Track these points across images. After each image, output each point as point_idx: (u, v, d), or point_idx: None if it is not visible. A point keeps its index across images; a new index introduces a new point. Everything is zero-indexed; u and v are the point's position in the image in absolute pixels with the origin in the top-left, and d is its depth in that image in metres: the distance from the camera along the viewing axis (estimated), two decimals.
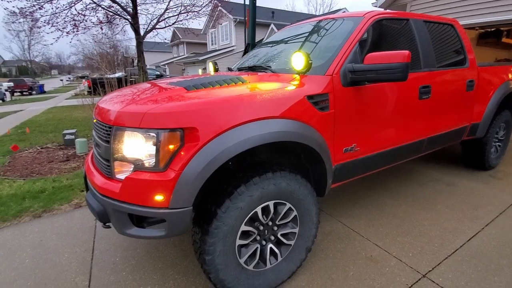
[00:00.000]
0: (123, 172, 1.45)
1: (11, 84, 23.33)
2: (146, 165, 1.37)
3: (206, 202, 1.52)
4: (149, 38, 10.14)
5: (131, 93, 1.75)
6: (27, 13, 7.84)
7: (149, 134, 1.34)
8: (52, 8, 7.76)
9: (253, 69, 2.38)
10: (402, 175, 3.45)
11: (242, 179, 1.51)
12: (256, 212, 1.55)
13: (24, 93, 24.28)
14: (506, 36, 6.81)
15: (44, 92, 24.31)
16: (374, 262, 1.98)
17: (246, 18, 4.43)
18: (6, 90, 20.12)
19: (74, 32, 7.71)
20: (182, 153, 1.34)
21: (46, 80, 44.03)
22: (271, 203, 1.59)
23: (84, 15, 7.46)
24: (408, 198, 2.88)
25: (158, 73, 20.68)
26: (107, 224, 1.57)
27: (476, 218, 2.48)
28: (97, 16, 7.78)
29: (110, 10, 7.88)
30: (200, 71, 3.19)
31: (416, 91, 2.32)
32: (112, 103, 1.60)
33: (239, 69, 2.61)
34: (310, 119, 1.68)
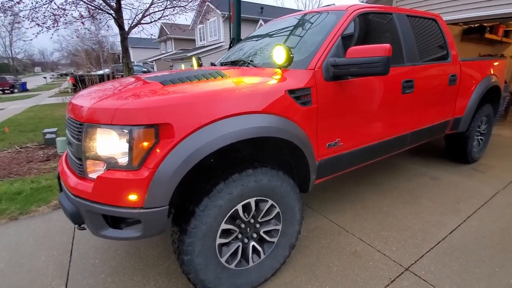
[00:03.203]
0: (96, 171, 1.38)
1: None
2: (119, 163, 1.31)
3: (185, 201, 1.47)
4: (135, 33, 9.90)
5: (105, 88, 1.67)
6: (6, 7, 7.51)
7: (122, 131, 1.28)
8: (32, 3, 7.45)
9: (235, 63, 2.33)
10: (387, 170, 3.48)
11: (221, 176, 1.47)
12: (236, 210, 1.51)
13: (6, 91, 23.42)
14: (489, 32, 6.95)
15: (27, 90, 23.49)
16: (358, 257, 1.97)
17: (230, 13, 4.34)
18: None
19: (54, 27, 7.43)
20: (158, 150, 1.28)
21: (29, 78, 42.59)
22: (252, 200, 1.56)
23: (64, 9, 7.19)
24: (393, 192, 2.90)
25: (145, 69, 20.30)
26: (82, 225, 1.51)
27: (458, 211, 2.52)
28: (78, 11, 7.50)
29: (92, 4, 7.62)
30: (183, 66, 3.12)
31: (399, 86, 2.32)
32: (84, 98, 1.53)
33: (222, 64, 2.56)
34: (291, 114, 1.65)
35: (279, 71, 1.81)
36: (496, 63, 3.51)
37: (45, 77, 33.93)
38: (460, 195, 2.81)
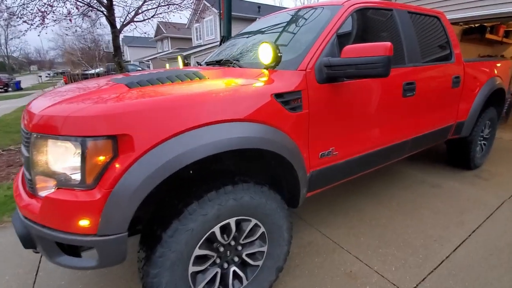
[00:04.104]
0: (46, 189, 1.17)
1: None
2: (71, 181, 1.10)
3: (153, 223, 1.27)
4: (128, 32, 9.66)
5: (66, 91, 1.46)
6: None
7: (73, 143, 1.07)
8: None
9: (221, 63, 2.12)
10: (385, 177, 3.28)
11: (195, 194, 1.26)
12: (213, 232, 1.31)
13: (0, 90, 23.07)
14: (490, 32, 6.78)
15: (21, 89, 23.13)
16: (353, 279, 1.78)
17: (221, 11, 4.13)
18: None
19: (42, 24, 7.15)
20: (117, 165, 1.08)
21: (24, 76, 42.01)
22: (232, 221, 1.36)
23: (52, 6, 6.92)
24: (392, 202, 2.71)
25: (140, 68, 20.02)
26: (36, 250, 1.30)
27: (462, 223, 2.33)
28: (66, 7, 7.23)
29: (81, 1, 7.35)
30: (167, 66, 2.91)
31: (400, 88, 2.12)
32: (38, 103, 1.32)
33: (208, 64, 2.35)
34: (278, 121, 1.45)
35: (266, 72, 1.61)
36: (499, 64, 3.33)
37: (40, 76, 33.45)
38: (463, 205, 2.62)
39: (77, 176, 1.09)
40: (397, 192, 2.91)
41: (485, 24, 6.55)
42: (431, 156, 3.92)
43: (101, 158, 1.07)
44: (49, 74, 42.45)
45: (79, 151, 1.06)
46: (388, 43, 1.47)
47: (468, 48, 7.14)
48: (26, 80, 30.68)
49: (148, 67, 26.63)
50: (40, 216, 1.13)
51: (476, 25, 6.67)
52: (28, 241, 1.24)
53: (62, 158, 1.10)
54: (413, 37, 2.29)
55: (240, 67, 1.87)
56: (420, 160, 3.79)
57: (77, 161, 1.07)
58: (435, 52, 2.54)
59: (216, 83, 1.42)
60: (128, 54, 35.44)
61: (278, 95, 1.46)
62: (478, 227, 2.27)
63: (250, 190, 1.38)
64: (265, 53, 1.54)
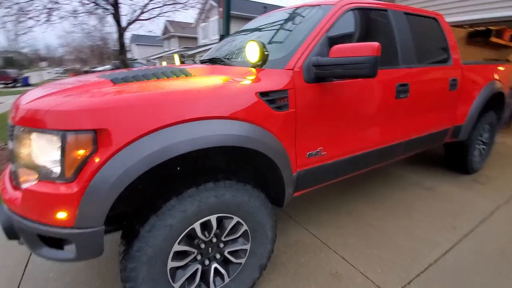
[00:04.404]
0: (29, 182, 1.19)
1: None
2: (51, 174, 1.12)
3: (132, 218, 1.29)
4: (133, 30, 9.75)
5: (53, 86, 1.48)
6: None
7: (53, 136, 1.09)
8: None
9: (213, 61, 2.13)
10: (380, 178, 3.26)
11: (175, 190, 1.28)
12: (193, 229, 1.32)
13: (8, 85, 23.50)
14: (495, 35, 6.67)
15: (29, 85, 23.52)
16: (338, 279, 1.77)
17: (221, 9, 4.15)
18: None
19: (47, 21, 7.28)
20: (97, 160, 1.09)
21: (34, 72, 42.67)
22: (213, 218, 1.36)
23: (57, 2, 7.04)
24: (385, 204, 2.69)
25: (146, 66, 20.11)
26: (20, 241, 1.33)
27: (454, 228, 2.30)
28: (71, 5, 7.34)
29: None
30: (164, 63, 2.95)
31: (392, 90, 2.10)
32: (24, 97, 1.34)
33: (202, 62, 2.36)
34: (262, 119, 1.45)
35: (253, 70, 1.61)
36: (501, 68, 3.28)
37: (49, 72, 33.98)
38: (458, 209, 2.59)
39: (57, 169, 1.11)
40: (390, 194, 2.88)
41: (491, 27, 6.44)
42: (429, 159, 3.88)
43: (81, 152, 1.08)
44: (58, 70, 43.11)
45: (59, 144, 1.08)
46: (376, 43, 1.46)
47: (474, 51, 7.03)
48: (36, 76, 31.13)
49: (155, 65, 26.83)
50: (21, 207, 1.16)
51: (482, 28, 6.57)
52: (11, 233, 1.27)
53: (43, 151, 1.12)
54: (408, 38, 2.27)
55: (229, 65, 1.88)
56: (417, 163, 3.75)
57: (57, 154, 1.09)
58: (432, 54, 2.52)
59: (200, 80, 1.43)
60: (136, 52, 35.77)
61: (263, 94, 1.46)
62: (470, 232, 2.24)
63: (233, 188, 1.38)
64: (252, 52, 1.55)
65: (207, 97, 1.29)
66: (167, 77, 1.46)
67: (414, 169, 3.56)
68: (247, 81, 1.48)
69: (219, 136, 1.26)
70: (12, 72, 25.02)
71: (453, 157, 3.26)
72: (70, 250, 1.19)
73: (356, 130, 1.96)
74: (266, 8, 21.92)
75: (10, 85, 23.18)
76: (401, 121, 2.25)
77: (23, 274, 1.86)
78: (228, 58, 2.00)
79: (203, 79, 1.45)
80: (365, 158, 2.11)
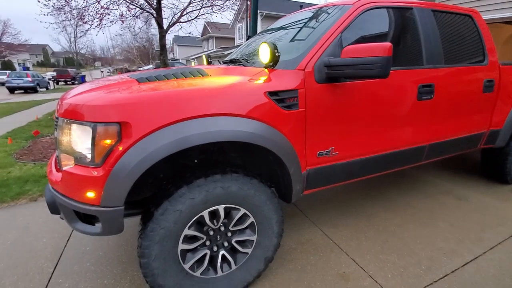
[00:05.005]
0: (68, 165, 1.42)
1: (54, 74, 25.47)
2: (84, 159, 1.32)
3: (149, 202, 1.45)
4: (174, 32, 10.34)
5: (91, 84, 1.72)
6: (59, 5, 8.26)
7: (86, 127, 1.29)
8: (84, 1, 8.18)
9: (233, 62, 2.25)
10: (406, 184, 3.12)
11: (187, 179, 1.41)
12: (202, 216, 1.45)
13: (68, 82, 26.39)
14: None
15: (85, 82, 26.08)
16: (345, 280, 1.79)
17: (248, 11, 4.26)
18: (49, 80, 21.96)
19: (99, 25, 8.09)
20: (120, 148, 1.27)
21: (89, 71, 47.26)
22: (221, 208, 1.48)
23: (108, 8, 7.79)
24: (407, 211, 2.59)
25: (185, 65, 21.13)
26: (60, 216, 1.58)
27: (480, 240, 2.15)
28: (120, 10, 8.05)
29: (133, 3, 8.12)
30: (193, 64, 3.14)
31: (414, 91, 2.04)
32: (68, 93, 1.59)
33: (224, 62, 2.50)
34: (270, 117, 1.53)
35: (265, 71, 1.69)
36: None
37: (102, 71, 37.45)
38: (488, 221, 2.41)
39: (89, 155, 1.31)
40: (415, 201, 2.76)
41: None
42: (465, 166, 3.60)
43: (108, 141, 1.27)
44: (109, 69, 47.20)
45: (91, 134, 1.27)
46: (388, 44, 1.45)
47: None
48: (91, 75, 34.43)
49: (190, 64, 28.03)
50: (61, 187, 1.38)
51: None
52: (54, 208, 1.51)
53: (79, 139, 1.33)
54: (436, 37, 2.17)
55: (244, 66, 1.98)
56: (451, 169, 3.51)
57: (88, 142, 1.29)
58: (464, 53, 2.36)
59: (213, 80, 1.55)
60: (178, 52, 37.70)
61: (272, 93, 1.54)
62: (497, 245, 2.08)
63: (239, 181, 1.49)
64: (264, 53, 1.63)
65: (218, 95, 1.41)
66: (185, 77, 1.61)
67: (446, 175, 3.34)
68: (258, 81, 1.56)
69: (226, 132, 1.37)
70: (71, 71, 27.99)
71: (490, 165, 3.01)
72: (98, 226, 1.38)
73: (371, 132, 1.94)
74: (302, 6, 21.65)
75: (69, 82, 25.97)
76: (424, 123, 2.16)
77: (65, 246, 2.16)
78: (245, 59, 2.11)
79: (217, 79, 1.57)
80: (383, 160, 2.07)
